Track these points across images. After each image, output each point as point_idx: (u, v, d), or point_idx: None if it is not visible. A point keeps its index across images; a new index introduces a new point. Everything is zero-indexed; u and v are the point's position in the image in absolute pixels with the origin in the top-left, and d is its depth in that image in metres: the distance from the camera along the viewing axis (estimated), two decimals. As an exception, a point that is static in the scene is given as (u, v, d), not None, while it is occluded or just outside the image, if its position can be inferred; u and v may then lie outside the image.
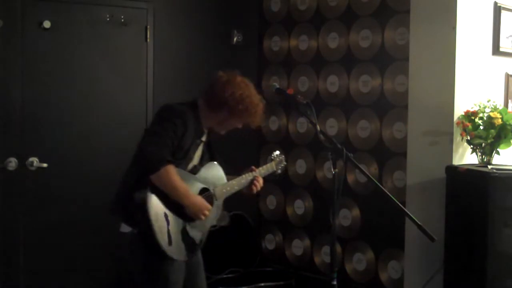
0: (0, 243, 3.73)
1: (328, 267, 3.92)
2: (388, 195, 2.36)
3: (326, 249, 4.55)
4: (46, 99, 3.85)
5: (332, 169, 2.40)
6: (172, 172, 2.58)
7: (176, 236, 2.68)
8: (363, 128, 4.31)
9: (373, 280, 4.26)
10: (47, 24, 3.79)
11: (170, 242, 2.64)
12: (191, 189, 2.71)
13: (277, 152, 3.16)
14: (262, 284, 4.45)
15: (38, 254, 3.84)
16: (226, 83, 2.75)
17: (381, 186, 2.45)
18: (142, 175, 2.59)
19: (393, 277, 4.14)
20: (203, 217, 2.70)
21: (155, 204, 2.59)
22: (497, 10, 3.79)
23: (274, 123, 4.89)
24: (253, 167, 2.96)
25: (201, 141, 2.82)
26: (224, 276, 4.55)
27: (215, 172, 2.89)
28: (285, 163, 3.20)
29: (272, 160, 3.12)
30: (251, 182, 2.93)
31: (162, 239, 2.60)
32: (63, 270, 3.92)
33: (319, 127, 2.50)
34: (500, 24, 3.79)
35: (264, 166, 3.04)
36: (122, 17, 4.08)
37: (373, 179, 2.46)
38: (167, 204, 2.64)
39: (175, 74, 4.44)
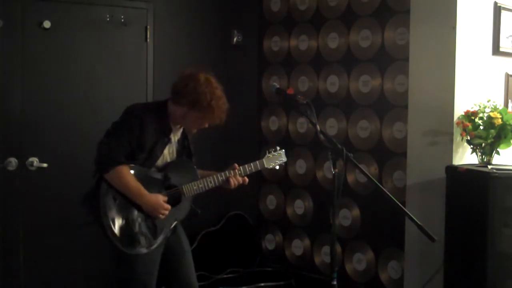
0: (0, 243, 3.73)
1: (328, 267, 3.93)
2: (388, 195, 2.36)
3: (326, 249, 4.55)
4: (46, 99, 3.85)
5: (332, 169, 2.41)
6: (124, 173, 2.67)
7: (127, 226, 2.74)
8: (363, 128, 4.30)
9: (373, 280, 4.25)
10: (47, 24, 3.79)
11: (118, 232, 2.70)
12: (153, 188, 2.76)
13: (276, 149, 3.15)
14: (262, 284, 4.45)
15: (38, 254, 3.83)
16: (186, 76, 2.85)
17: (381, 186, 2.45)
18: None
19: (393, 277, 4.14)
20: (161, 216, 2.76)
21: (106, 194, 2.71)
22: (497, 10, 3.79)
23: (274, 123, 4.89)
24: (235, 164, 3.00)
25: (169, 138, 2.87)
26: (224, 276, 4.55)
27: (185, 169, 2.93)
28: (282, 159, 3.18)
29: (267, 157, 3.11)
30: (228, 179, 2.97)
31: (110, 227, 2.69)
32: (63, 270, 3.92)
33: (319, 127, 2.50)
34: (500, 24, 3.80)
35: (251, 164, 3.05)
36: (122, 17, 4.08)
37: (373, 179, 2.46)
38: (125, 198, 2.72)
39: (175, 74, 4.39)
